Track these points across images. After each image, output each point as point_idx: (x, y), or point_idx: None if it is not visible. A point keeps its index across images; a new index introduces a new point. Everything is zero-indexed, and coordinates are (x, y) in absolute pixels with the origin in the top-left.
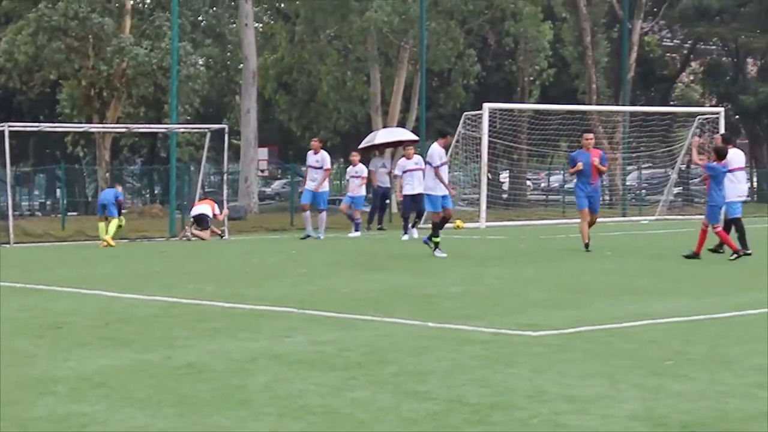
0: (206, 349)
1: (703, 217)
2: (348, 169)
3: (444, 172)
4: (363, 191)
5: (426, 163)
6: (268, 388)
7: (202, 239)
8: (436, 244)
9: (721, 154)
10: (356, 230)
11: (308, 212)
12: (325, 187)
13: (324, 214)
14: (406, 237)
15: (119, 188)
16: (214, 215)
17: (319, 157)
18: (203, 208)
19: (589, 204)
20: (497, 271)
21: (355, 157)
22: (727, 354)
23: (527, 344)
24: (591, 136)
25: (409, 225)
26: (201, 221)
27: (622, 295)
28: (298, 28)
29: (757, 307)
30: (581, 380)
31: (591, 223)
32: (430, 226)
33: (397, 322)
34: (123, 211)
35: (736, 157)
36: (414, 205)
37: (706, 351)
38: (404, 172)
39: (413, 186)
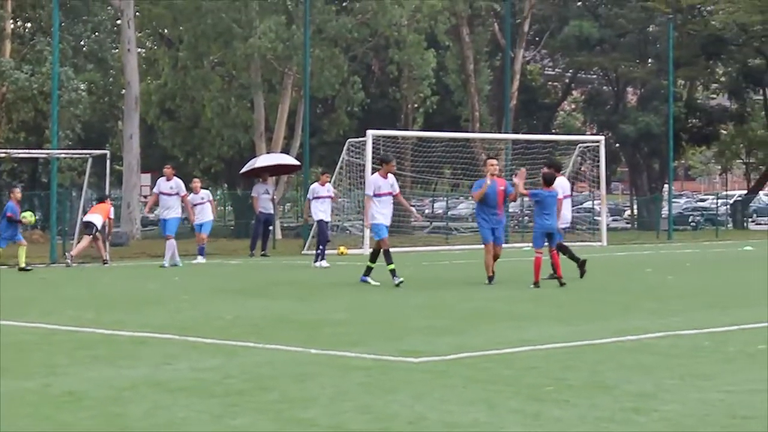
0: (86, 376)
1: (584, 243)
2: (192, 197)
3: (380, 201)
4: (209, 216)
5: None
6: (149, 415)
7: (84, 247)
8: (392, 271)
9: (548, 181)
10: (200, 255)
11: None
12: (177, 213)
13: (172, 241)
14: (321, 264)
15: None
16: (104, 226)
17: (173, 184)
18: (94, 217)
19: (493, 236)
20: (381, 298)
21: (196, 183)
22: (606, 379)
23: (409, 371)
24: (495, 162)
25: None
26: (88, 227)
27: (504, 321)
28: (181, 53)
29: (636, 333)
30: (461, 406)
31: (495, 257)
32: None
33: (280, 349)
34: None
35: (562, 185)
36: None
37: (585, 377)
38: (315, 197)
39: (327, 213)
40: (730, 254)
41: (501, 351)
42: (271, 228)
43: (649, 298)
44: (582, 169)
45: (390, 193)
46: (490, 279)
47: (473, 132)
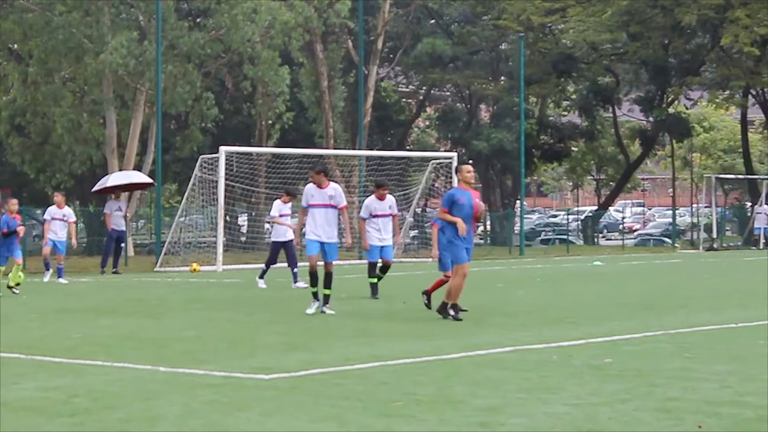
0: None
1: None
2: (52, 210)
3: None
4: (66, 236)
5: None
6: None
7: None
8: (314, 294)
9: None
10: (56, 274)
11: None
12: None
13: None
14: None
15: None
16: None
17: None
18: None
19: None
20: (232, 315)
21: (59, 198)
22: (455, 394)
23: (259, 387)
24: (471, 168)
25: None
26: None
27: (356, 337)
28: (31, 69)
29: (486, 347)
30: (311, 423)
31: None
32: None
33: (128, 367)
34: None
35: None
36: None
37: (434, 391)
38: (281, 215)
39: (286, 232)
40: (579, 269)
41: (352, 367)
42: (123, 245)
43: (499, 313)
44: (435, 185)
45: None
46: (456, 309)
47: (328, 148)
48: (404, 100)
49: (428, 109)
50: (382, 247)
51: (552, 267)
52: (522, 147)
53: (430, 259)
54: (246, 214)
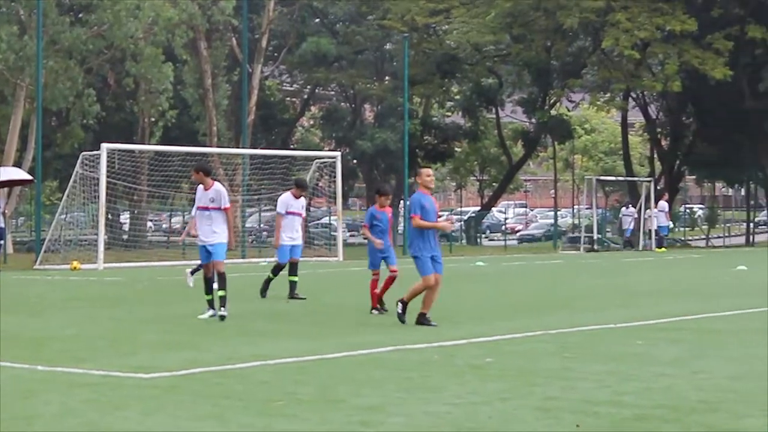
0: None
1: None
2: None
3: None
4: None
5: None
6: None
7: None
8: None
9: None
10: None
11: None
12: None
13: None
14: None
15: None
16: None
17: None
18: None
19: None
20: (112, 313)
21: None
22: (336, 393)
23: (138, 386)
24: (431, 172)
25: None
26: None
27: (238, 336)
28: None
29: (368, 347)
30: (191, 422)
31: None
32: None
33: (5, 366)
34: None
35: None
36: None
37: (315, 391)
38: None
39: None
40: (462, 270)
41: (233, 366)
42: (2, 242)
43: (383, 314)
44: (319, 184)
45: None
46: (425, 318)
47: (211, 146)
48: (288, 98)
49: (312, 108)
50: (292, 246)
51: None
52: (406, 147)
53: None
54: (128, 212)
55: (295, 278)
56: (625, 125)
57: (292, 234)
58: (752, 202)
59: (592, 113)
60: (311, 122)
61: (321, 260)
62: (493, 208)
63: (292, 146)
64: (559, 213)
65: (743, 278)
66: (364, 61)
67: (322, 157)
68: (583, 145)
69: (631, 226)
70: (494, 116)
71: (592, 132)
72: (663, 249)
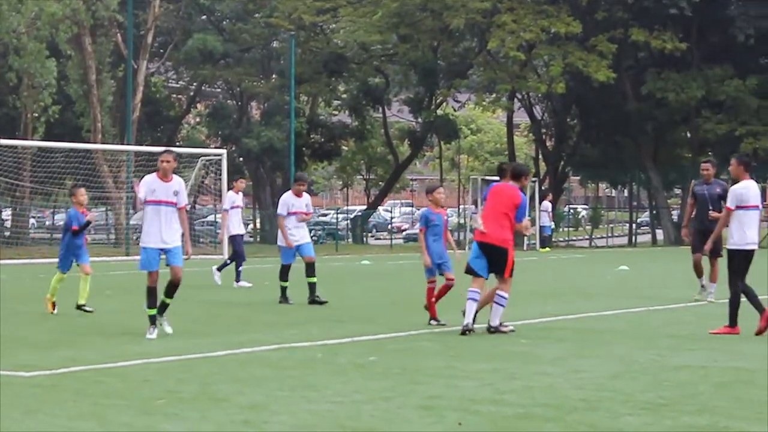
0: None
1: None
2: None
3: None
4: None
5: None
6: None
7: None
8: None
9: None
10: None
11: None
12: None
13: None
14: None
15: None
16: None
17: None
18: None
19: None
20: None
21: None
22: (218, 392)
23: (19, 385)
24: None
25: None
26: None
27: (120, 335)
28: None
29: (251, 345)
30: (71, 421)
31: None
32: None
33: None
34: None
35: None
36: None
37: (197, 389)
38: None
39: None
40: (348, 268)
41: (114, 364)
42: None
43: (268, 312)
44: (205, 182)
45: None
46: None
47: (95, 143)
48: (174, 95)
49: (199, 106)
50: (299, 246)
51: (321, 265)
52: (292, 145)
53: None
54: (10, 209)
55: (314, 279)
56: (510, 126)
57: (296, 234)
58: (635, 203)
59: (477, 113)
60: (197, 119)
61: (206, 258)
62: (379, 207)
63: (177, 143)
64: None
65: (625, 278)
66: (251, 58)
67: (208, 155)
68: (469, 145)
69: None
70: (381, 115)
71: (478, 132)
72: (547, 249)
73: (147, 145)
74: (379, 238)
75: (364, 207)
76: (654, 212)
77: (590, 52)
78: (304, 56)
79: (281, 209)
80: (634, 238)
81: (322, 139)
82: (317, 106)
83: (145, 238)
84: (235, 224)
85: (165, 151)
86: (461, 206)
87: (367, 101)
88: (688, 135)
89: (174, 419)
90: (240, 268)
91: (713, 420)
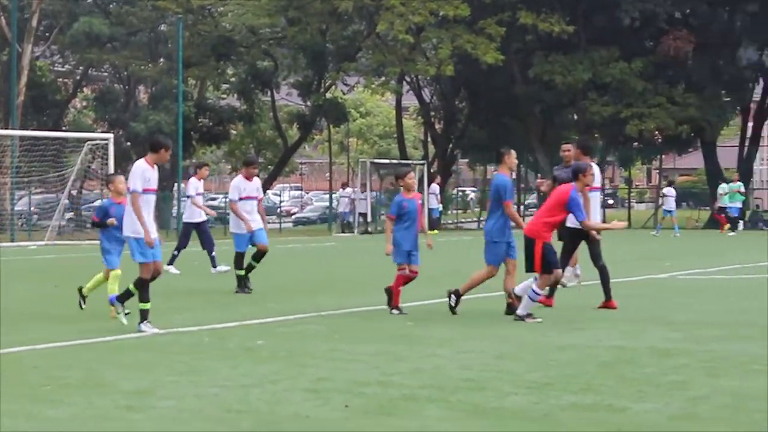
0: None
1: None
2: None
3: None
4: None
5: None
6: None
7: None
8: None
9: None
10: None
11: None
12: None
13: None
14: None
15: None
16: None
17: None
18: None
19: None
20: None
21: None
22: (103, 378)
23: None
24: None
25: None
26: None
27: (5, 323)
28: None
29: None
30: None
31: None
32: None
33: None
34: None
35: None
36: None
37: (83, 375)
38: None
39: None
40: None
41: (5, 351)
42: None
43: (157, 296)
44: (92, 167)
45: (257, 198)
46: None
47: None
48: (60, 79)
49: (85, 90)
50: (252, 233)
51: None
52: (180, 129)
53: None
54: None
55: (256, 264)
56: (399, 109)
57: (255, 219)
58: (522, 185)
59: (367, 96)
60: (84, 104)
61: (93, 243)
62: (268, 191)
63: (64, 128)
64: (333, 196)
65: None
66: (138, 42)
67: (94, 139)
68: (358, 129)
69: (348, 209)
70: (270, 99)
71: (367, 115)
72: (435, 231)
73: (32, 130)
74: (268, 222)
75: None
76: (541, 194)
77: (479, 34)
78: (192, 39)
79: (233, 194)
80: (522, 219)
81: (211, 123)
82: (205, 89)
83: (138, 228)
84: (199, 211)
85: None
86: (351, 189)
87: (256, 85)
88: (575, 117)
89: (59, 405)
90: (213, 254)
91: (597, 398)
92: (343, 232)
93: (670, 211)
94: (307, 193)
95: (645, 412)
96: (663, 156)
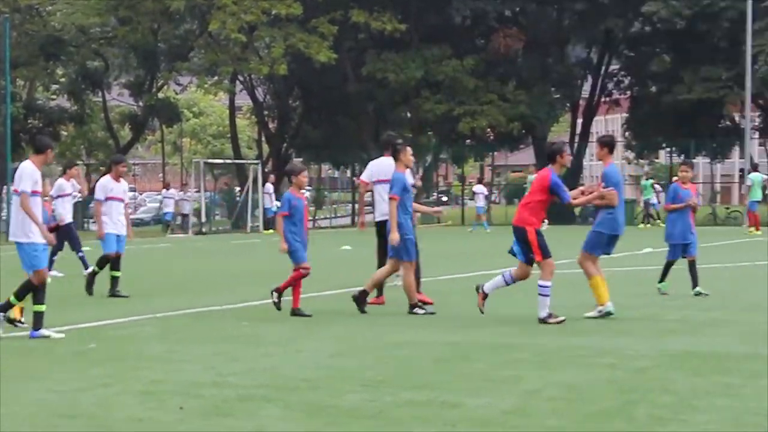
0: None
1: None
2: None
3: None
4: None
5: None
6: None
7: None
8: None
9: None
10: None
11: None
12: None
13: None
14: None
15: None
16: None
17: None
18: None
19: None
20: None
21: None
22: None
23: None
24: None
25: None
26: None
27: None
28: None
29: None
30: None
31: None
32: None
33: None
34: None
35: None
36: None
37: None
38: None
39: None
40: (70, 254)
41: None
42: None
43: None
44: None
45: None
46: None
47: None
48: None
49: None
50: (118, 236)
51: None
52: (8, 131)
53: None
54: None
55: (119, 273)
56: (232, 108)
57: (116, 223)
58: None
59: (200, 96)
60: None
61: None
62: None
63: None
64: (156, 197)
65: (348, 257)
66: None
67: None
68: (191, 129)
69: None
70: (101, 99)
71: (201, 115)
72: (270, 231)
73: None
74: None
75: (84, 193)
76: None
77: (311, 33)
78: (20, 39)
79: (99, 194)
80: (357, 218)
81: (41, 124)
82: (35, 90)
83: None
84: (69, 213)
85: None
86: (184, 190)
87: (87, 85)
88: (408, 115)
89: None
90: (55, 257)
91: (432, 395)
92: (173, 232)
93: (480, 208)
94: (141, 194)
95: (479, 407)
96: (495, 153)
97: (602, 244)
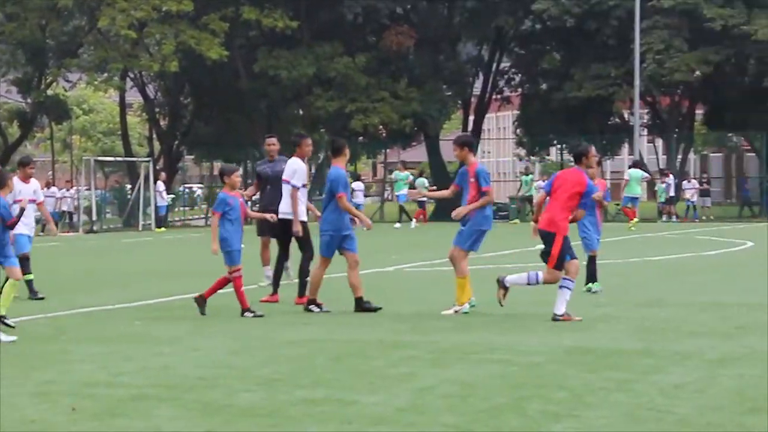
0: None
1: None
2: None
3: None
4: None
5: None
6: None
7: None
8: None
9: None
10: None
11: None
12: None
13: None
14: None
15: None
16: None
17: None
18: None
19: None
20: None
21: None
22: None
23: None
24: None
25: None
26: None
27: None
28: None
29: None
30: None
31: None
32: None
33: None
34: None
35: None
36: None
37: None
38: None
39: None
40: None
41: None
42: None
43: None
44: None
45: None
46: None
47: None
48: None
49: None
50: (30, 237)
51: None
52: None
53: None
54: None
55: (31, 276)
56: (123, 105)
57: (27, 224)
58: (249, 181)
59: (89, 93)
60: None
61: None
62: None
63: None
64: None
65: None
66: None
67: None
68: (81, 126)
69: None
70: None
71: (91, 112)
72: (162, 229)
73: None
74: None
75: None
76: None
77: (202, 30)
78: None
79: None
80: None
81: None
82: None
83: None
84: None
85: None
86: (75, 188)
87: None
88: (301, 112)
89: None
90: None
91: (327, 392)
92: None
93: (358, 205)
94: None
95: (374, 405)
96: (388, 150)
97: (480, 240)
